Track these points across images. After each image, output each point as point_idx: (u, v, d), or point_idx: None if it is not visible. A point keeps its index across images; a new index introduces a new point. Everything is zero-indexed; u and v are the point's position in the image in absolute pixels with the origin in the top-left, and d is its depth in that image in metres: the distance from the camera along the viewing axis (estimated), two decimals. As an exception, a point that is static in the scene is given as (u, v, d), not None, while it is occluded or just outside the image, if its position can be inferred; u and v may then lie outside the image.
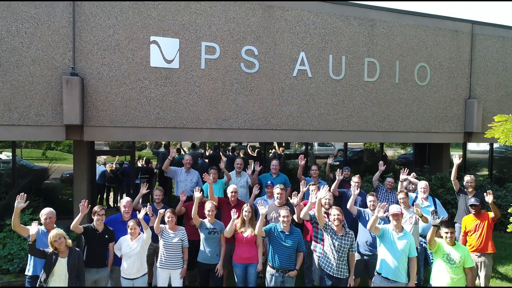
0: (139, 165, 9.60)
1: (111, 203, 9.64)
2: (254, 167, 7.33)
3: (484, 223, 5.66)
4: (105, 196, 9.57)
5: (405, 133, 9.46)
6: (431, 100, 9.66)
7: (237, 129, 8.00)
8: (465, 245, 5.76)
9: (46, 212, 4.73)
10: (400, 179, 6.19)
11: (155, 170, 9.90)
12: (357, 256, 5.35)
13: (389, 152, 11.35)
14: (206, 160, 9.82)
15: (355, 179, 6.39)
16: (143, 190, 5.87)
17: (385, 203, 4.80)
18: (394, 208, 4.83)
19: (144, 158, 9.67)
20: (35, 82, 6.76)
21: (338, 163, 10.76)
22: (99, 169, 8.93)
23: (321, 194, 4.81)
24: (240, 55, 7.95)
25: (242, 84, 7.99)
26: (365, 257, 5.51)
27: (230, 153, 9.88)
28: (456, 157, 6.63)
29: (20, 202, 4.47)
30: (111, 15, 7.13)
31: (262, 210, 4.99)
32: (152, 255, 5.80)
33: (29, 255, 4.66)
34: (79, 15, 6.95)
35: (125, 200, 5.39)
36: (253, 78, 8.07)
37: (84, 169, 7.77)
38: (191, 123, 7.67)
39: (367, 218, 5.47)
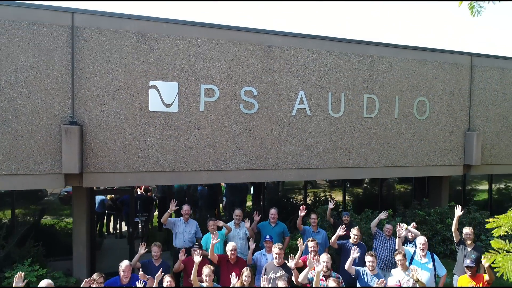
0: (138, 192, 9.63)
1: (111, 230, 9.68)
2: (253, 217, 7.32)
3: (479, 285, 5.68)
4: (105, 221, 9.59)
5: (405, 167, 9.46)
6: (430, 134, 9.66)
7: (236, 170, 8.00)
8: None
9: (44, 285, 4.74)
10: (398, 235, 6.18)
11: (155, 198, 9.94)
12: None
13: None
14: (206, 188, 9.85)
15: (354, 231, 6.39)
16: (141, 250, 5.88)
17: (383, 279, 4.82)
18: (392, 281, 4.85)
19: (143, 186, 9.69)
20: (34, 131, 6.75)
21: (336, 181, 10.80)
22: (98, 197, 8.91)
23: (319, 269, 4.82)
24: (239, 96, 7.94)
25: (241, 125, 7.99)
26: (363, 317, 5.52)
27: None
28: (458, 209, 6.66)
29: (18, 282, 4.49)
30: (110, 61, 7.11)
31: None
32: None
33: None
34: (78, 62, 6.94)
35: (124, 264, 5.39)
36: (252, 118, 8.06)
37: (83, 211, 7.75)
38: (190, 166, 7.67)
39: (366, 280, 5.48)
